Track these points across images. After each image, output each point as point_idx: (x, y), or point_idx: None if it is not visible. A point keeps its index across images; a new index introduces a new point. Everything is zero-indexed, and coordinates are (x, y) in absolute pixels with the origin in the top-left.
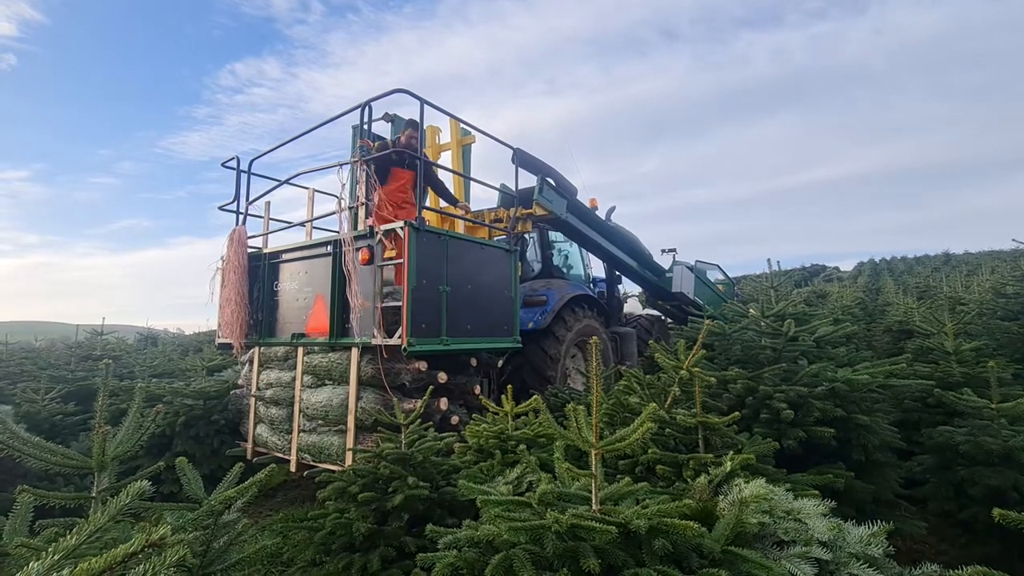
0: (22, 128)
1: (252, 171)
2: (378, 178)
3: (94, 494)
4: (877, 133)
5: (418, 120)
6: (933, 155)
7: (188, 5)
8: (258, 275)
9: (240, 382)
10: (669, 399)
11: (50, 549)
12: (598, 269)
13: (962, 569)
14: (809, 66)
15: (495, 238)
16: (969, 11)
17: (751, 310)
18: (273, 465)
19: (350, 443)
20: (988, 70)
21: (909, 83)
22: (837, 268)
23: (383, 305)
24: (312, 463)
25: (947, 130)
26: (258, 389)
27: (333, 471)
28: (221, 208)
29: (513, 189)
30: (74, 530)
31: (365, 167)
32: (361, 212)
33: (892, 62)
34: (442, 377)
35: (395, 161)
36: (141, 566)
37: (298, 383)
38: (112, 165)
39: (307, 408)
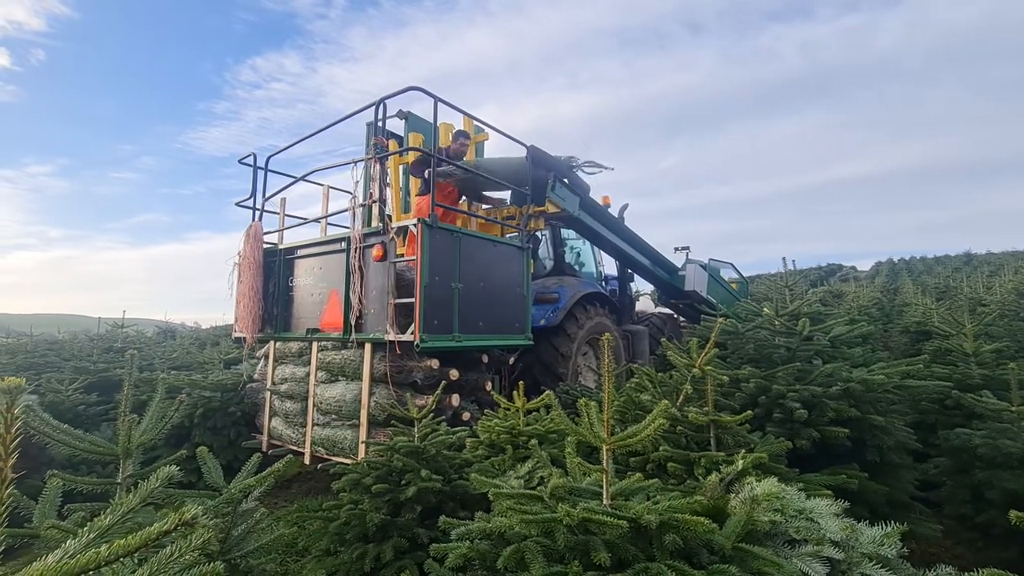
0: (49, 123)
1: (269, 167)
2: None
3: (119, 480)
4: (908, 130)
5: (463, 128)
6: (966, 152)
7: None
8: (274, 271)
9: (256, 376)
10: (681, 397)
11: (85, 528)
12: (610, 267)
13: (978, 572)
14: (839, 60)
15: (507, 235)
16: (1010, 3)
17: (765, 309)
18: (290, 456)
19: (363, 437)
20: None
21: (944, 78)
22: (854, 268)
23: (396, 301)
24: (326, 456)
25: (982, 126)
26: (273, 383)
27: (346, 464)
28: (238, 204)
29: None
30: (107, 511)
31: (379, 164)
32: (374, 209)
33: (926, 56)
34: (454, 374)
35: (440, 174)
36: (169, 547)
37: (312, 378)
38: (133, 160)
39: (321, 403)
